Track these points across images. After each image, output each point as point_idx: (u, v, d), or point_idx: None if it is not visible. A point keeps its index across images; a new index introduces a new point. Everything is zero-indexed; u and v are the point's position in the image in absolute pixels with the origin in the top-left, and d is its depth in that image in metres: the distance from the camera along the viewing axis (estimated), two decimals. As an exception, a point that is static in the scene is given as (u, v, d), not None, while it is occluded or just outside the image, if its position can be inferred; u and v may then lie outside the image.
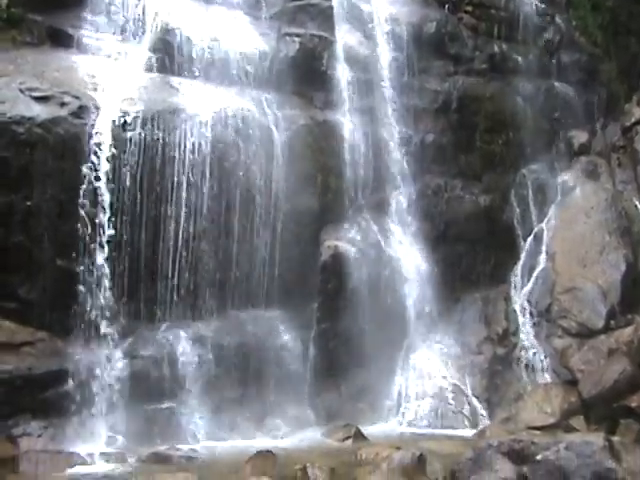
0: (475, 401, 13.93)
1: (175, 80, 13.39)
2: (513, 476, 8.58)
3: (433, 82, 16.00)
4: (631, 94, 16.57)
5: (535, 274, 15.32)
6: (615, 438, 9.11)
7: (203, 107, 12.93)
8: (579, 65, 17.54)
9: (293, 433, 12.54)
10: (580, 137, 16.87)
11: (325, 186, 14.05)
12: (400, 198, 15.06)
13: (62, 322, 11.65)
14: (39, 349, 11.49)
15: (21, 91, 11.80)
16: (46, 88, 11.98)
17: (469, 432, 13.02)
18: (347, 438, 12.14)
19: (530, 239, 15.83)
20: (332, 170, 14.18)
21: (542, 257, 15.51)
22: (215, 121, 12.91)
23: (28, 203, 11.47)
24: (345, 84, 14.87)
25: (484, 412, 13.79)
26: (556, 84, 17.22)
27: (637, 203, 15.61)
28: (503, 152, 16.28)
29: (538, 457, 8.52)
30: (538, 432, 10.95)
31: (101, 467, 10.25)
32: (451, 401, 13.83)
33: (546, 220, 15.96)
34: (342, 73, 14.91)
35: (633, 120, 16.19)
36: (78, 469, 10.08)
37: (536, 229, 15.90)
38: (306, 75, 14.55)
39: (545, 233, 15.76)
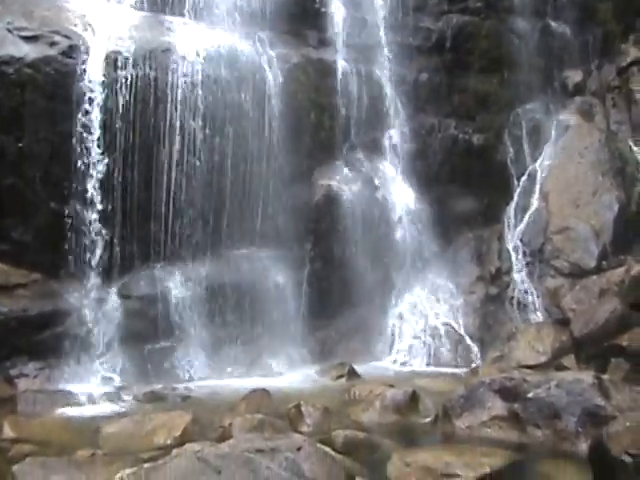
0: (468, 340, 14.05)
1: (166, 19, 13.21)
2: (505, 413, 8.71)
3: (427, 20, 15.79)
4: (627, 34, 16.37)
5: (528, 214, 15.34)
6: (605, 376, 9.20)
7: (195, 46, 12.78)
8: (575, 4, 17.24)
9: (287, 371, 12.66)
10: (575, 77, 16.73)
11: (318, 125, 13.97)
12: (394, 137, 15.00)
13: (56, 264, 11.68)
14: (33, 291, 11.53)
15: (9, 31, 11.64)
16: (35, 27, 11.81)
17: (462, 370, 13.15)
18: (341, 376, 12.26)
19: (524, 179, 15.81)
20: (325, 109, 14.10)
21: (535, 197, 15.50)
22: (207, 60, 12.77)
23: (19, 145, 11.41)
24: (339, 22, 14.70)
25: (476, 351, 13.92)
26: (552, 23, 16.98)
27: (631, 144, 15.51)
28: (497, 91, 16.14)
29: (529, 394, 8.62)
30: (530, 370, 11.02)
31: (97, 406, 10.33)
32: (444, 340, 13.96)
33: (540, 160, 15.90)
34: (336, 11, 14.76)
35: (629, 60, 16.04)
36: (75, 408, 10.16)
37: (530, 169, 15.86)
38: (300, 13, 14.36)
39: (539, 173, 15.73)
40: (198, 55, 12.71)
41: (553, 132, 16.17)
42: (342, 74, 14.39)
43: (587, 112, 16.32)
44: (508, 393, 8.80)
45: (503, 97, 16.14)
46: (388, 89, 14.97)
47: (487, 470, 7.26)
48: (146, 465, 5.29)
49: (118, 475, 5.17)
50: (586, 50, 16.95)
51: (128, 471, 5.21)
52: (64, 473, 7.18)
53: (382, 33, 15.15)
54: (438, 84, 15.66)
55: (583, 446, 7.73)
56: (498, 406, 8.78)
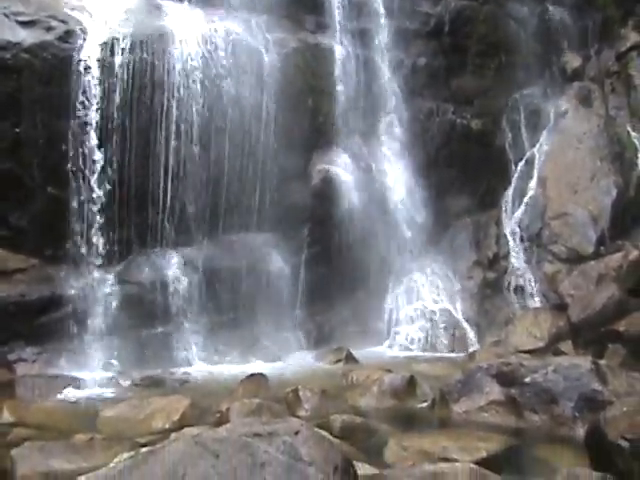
0: (465, 325, 14.10)
1: (163, 3, 13.17)
2: (502, 398, 8.72)
3: (425, 5, 15.74)
4: (627, 19, 16.35)
5: (526, 199, 15.36)
6: (602, 361, 9.22)
7: (192, 30, 12.75)
8: (574, -12, 17.24)
9: (285, 356, 12.69)
10: (574, 62, 16.70)
11: (316, 110, 13.95)
12: (392, 122, 14.97)
13: (54, 249, 11.68)
14: (31, 276, 11.55)
15: (6, 16, 11.60)
16: (32, 12, 11.78)
17: (459, 355, 13.19)
18: (338, 361, 12.30)
19: (521, 164, 15.81)
20: (323, 93, 14.07)
21: (533, 182, 15.52)
22: (204, 44, 12.74)
23: (17, 130, 11.39)
24: (337, 7, 14.65)
25: (474, 336, 13.97)
26: (550, 8, 16.93)
27: (629, 129, 15.52)
28: (495, 76, 16.10)
29: (526, 379, 8.63)
30: (527, 355, 11.05)
31: (95, 391, 10.36)
32: (441, 325, 14.00)
33: (538, 145, 15.90)
34: (333, -5, 14.68)
35: (628, 45, 16.04)
36: (73, 393, 10.18)
37: (528, 154, 15.87)
38: (297, -2, 14.32)
39: (537, 158, 15.74)
40: (195, 40, 12.67)
41: (551, 117, 16.17)
42: (340, 59, 14.36)
43: (586, 97, 16.31)
44: (505, 378, 8.81)
45: (501, 82, 16.11)
46: (386, 74, 14.95)
47: (484, 454, 7.28)
48: (144, 449, 5.31)
49: (116, 459, 5.18)
50: (585, 35, 16.92)
51: (126, 455, 5.23)
52: (62, 457, 7.19)
53: (380, 17, 15.10)
54: (436, 69, 15.63)
55: (580, 431, 7.74)
56: (495, 391, 8.79)
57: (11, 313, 11.13)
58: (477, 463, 5.89)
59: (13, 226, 11.53)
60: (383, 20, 15.13)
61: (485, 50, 15.99)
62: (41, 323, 11.35)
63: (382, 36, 15.10)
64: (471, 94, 15.96)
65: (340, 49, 14.42)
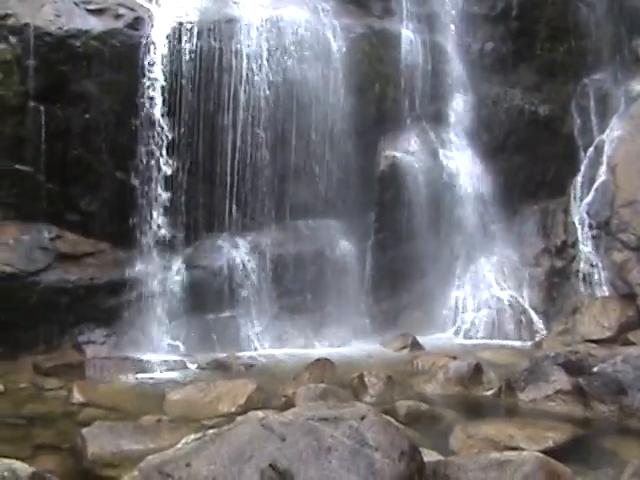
0: (532, 313, 13.96)
1: (230, -11, 13.22)
2: (569, 387, 8.64)
3: (492, -12, 15.52)
4: (699, 0, 15.94)
5: (595, 186, 15.07)
6: (673, 351, 9.06)
7: (259, 16, 12.78)
8: (647, -32, 16.82)
9: (350, 342, 12.74)
10: (646, 45, 16.35)
11: (383, 95, 13.87)
12: (459, 108, 14.82)
13: (122, 233, 11.85)
14: (101, 260, 11.75)
15: (76, 4, 11.77)
16: (101, 0, 11.91)
17: (525, 344, 13.07)
18: (404, 347, 12.30)
19: (590, 150, 15.50)
20: (390, 79, 13.98)
21: (603, 169, 15.21)
22: (271, 30, 12.76)
23: (86, 116, 11.55)
24: (403, -8, 14.53)
25: (541, 324, 13.82)
26: (621, -11, 16.58)
27: (703, 114, 15.16)
28: (564, 61, 15.78)
29: (595, 369, 8.52)
30: (595, 345, 10.92)
31: (162, 374, 10.53)
32: (508, 312, 13.87)
33: (607, 131, 15.57)
34: (401, -20, 14.57)
35: (701, 27, 15.64)
36: (140, 375, 10.36)
37: (597, 140, 15.55)
38: (363, -17, 14.25)
39: (606, 145, 15.41)
40: (262, 26, 12.71)
41: (622, 102, 15.82)
42: (406, 44, 14.23)
43: (658, 81, 15.94)
44: (573, 367, 8.72)
45: (570, 66, 15.78)
46: (453, 59, 14.79)
47: (551, 444, 7.25)
48: (211, 431, 5.37)
49: (183, 440, 5.25)
50: (657, 18, 16.51)
51: (193, 436, 5.30)
52: (131, 437, 7.34)
53: (447, 2, 14.95)
54: (504, 53, 15.39)
55: (649, 423, 7.65)
56: (562, 380, 8.72)
57: (81, 296, 11.35)
58: (544, 452, 5.82)
59: (83, 211, 11.73)
60: (450, 5, 14.98)
61: (554, 34, 15.67)
62: (110, 306, 11.55)
63: (449, 21, 14.94)
64: (539, 79, 15.69)
65: (407, 34, 14.29)
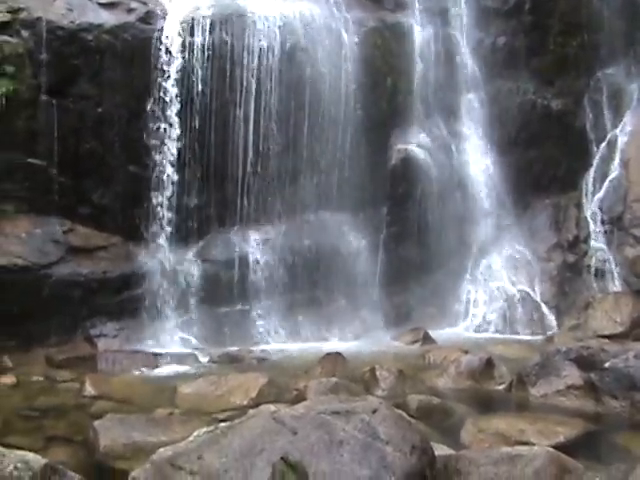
0: (544, 308, 13.92)
1: (242, -17, 13.21)
2: (580, 382, 8.63)
3: (505, -18, 15.45)
4: None
5: (607, 181, 15.01)
6: (686, 347, 9.03)
7: (271, 10, 12.77)
8: (661, -38, 16.70)
9: (362, 336, 12.73)
10: (659, 40, 16.24)
11: (395, 89, 13.84)
12: (471, 102, 14.78)
13: (135, 227, 11.90)
14: (113, 253, 11.79)
15: (88, -2, 11.80)
16: (113, -6, 11.95)
17: (537, 338, 13.05)
18: (415, 341, 12.31)
19: (603, 145, 15.43)
20: (402, 73, 13.95)
21: (615, 164, 15.15)
22: (283, 24, 12.74)
23: (99, 110, 11.59)
24: (416, -15, 14.50)
25: (552, 319, 13.79)
26: (635, -17, 16.48)
27: None
28: (577, 55, 15.68)
29: (606, 364, 8.50)
30: (607, 340, 10.89)
31: (174, 367, 10.57)
32: (520, 307, 13.85)
33: (620, 126, 15.50)
34: (413, -26, 14.53)
35: None
36: (152, 369, 10.41)
37: (610, 135, 15.47)
38: (376, -24, 14.21)
39: (619, 140, 15.34)
40: (274, 19, 12.70)
41: (635, 97, 15.73)
42: (419, 38, 14.20)
43: (671, 76, 15.86)
44: (584, 362, 8.71)
45: (583, 61, 15.68)
46: (465, 53, 14.74)
47: (562, 439, 7.25)
48: (222, 424, 5.39)
49: (195, 433, 5.27)
50: (672, 11, 16.40)
51: (205, 429, 5.31)
52: (143, 430, 7.40)
53: (459, -5, 14.92)
54: (516, 48, 15.31)
55: (662, 419, 7.63)
56: (574, 375, 8.70)
57: (94, 290, 11.39)
58: (555, 447, 5.82)
59: (95, 204, 11.77)
60: (463, -2, 14.95)
61: (566, 28, 15.58)
62: (122, 300, 11.59)
63: (461, 15, 14.89)
64: (552, 74, 15.60)
65: (419, 28, 14.26)
